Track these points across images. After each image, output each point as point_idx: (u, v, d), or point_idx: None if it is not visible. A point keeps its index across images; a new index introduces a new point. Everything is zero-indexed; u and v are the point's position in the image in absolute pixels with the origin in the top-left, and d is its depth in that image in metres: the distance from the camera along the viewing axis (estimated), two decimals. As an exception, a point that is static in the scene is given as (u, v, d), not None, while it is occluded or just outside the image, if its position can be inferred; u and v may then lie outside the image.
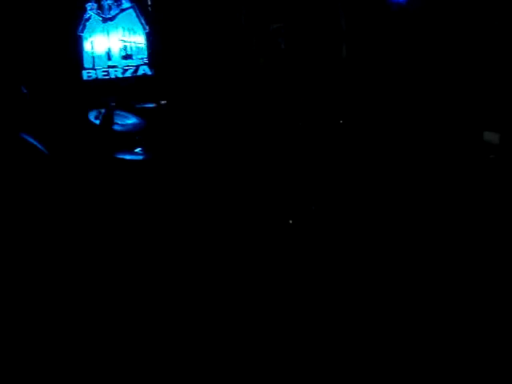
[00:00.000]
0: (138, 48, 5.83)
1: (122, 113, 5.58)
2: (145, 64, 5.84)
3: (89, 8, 5.77)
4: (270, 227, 5.14)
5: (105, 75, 5.84)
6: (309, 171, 5.56)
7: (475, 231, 4.44)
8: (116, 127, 5.55)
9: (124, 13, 5.79)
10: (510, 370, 2.99)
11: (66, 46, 5.80)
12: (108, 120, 5.27)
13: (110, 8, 5.77)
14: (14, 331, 3.55)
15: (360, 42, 5.68)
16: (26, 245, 4.45)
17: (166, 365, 3.27)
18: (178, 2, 5.76)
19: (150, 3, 5.78)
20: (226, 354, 3.35)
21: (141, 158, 5.48)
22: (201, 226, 5.05)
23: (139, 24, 5.80)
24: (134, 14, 5.79)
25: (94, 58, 5.83)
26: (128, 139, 5.56)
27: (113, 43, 5.81)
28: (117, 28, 5.80)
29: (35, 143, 5.05)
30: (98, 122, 5.42)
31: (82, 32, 5.81)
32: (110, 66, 5.84)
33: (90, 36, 5.80)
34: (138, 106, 5.74)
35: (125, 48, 5.83)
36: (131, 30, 5.80)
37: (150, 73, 5.84)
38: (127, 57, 5.83)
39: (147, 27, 5.80)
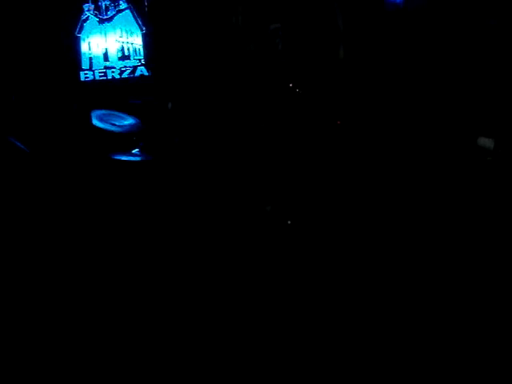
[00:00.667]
0: (135, 49, 5.82)
1: (119, 113, 5.58)
2: (142, 65, 5.82)
3: (86, 9, 5.76)
4: (268, 228, 5.14)
5: (102, 76, 5.82)
6: (307, 172, 5.56)
7: (474, 232, 4.43)
8: (113, 128, 5.55)
9: (121, 14, 5.78)
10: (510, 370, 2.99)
11: (63, 47, 5.79)
12: None
13: (107, 9, 5.76)
14: (14, 331, 3.55)
15: (357, 43, 5.67)
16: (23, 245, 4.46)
17: (166, 364, 3.27)
18: (175, 3, 5.74)
19: (146, 4, 5.77)
20: (223, 354, 3.34)
21: (138, 159, 5.48)
22: (199, 227, 5.05)
23: (136, 25, 5.79)
24: (131, 15, 5.78)
25: (91, 58, 5.82)
26: (125, 140, 5.57)
27: (110, 44, 5.81)
28: (114, 29, 5.79)
29: (21, 146, 5.06)
30: (100, 123, 5.45)
31: (80, 33, 5.80)
32: (107, 67, 5.83)
33: (88, 37, 5.79)
34: (132, 101, 5.74)
35: (122, 49, 5.82)
36: (128, 31, 5.79)
37: (147, 73, 5.83)
38: (124, 58, 5.82)
39: (144, 28, 5.78)
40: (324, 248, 4.77)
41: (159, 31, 5.74)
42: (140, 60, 5.82)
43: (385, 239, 4.68)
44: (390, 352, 3.24)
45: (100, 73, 5.82)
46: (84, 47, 5.80)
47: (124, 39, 5.78)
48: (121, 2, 5.77)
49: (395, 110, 5.53)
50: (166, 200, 5.32)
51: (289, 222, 5.29)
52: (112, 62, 5.83)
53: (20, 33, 5.53)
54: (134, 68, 5.83)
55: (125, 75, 5.82)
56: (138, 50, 5.82)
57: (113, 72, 5.83)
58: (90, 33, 5.79)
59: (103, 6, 5.77)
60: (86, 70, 5.83)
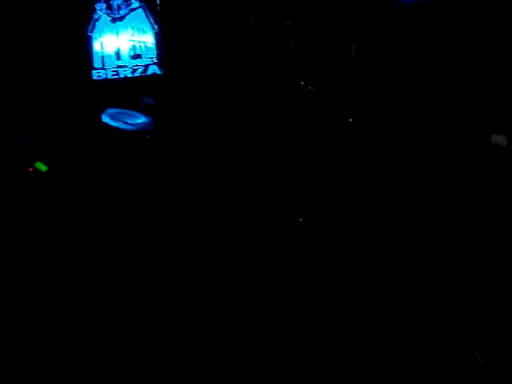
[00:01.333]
0: (147, 47, 5.84)
1: (132, 112, 5.61)
2: (154, 63, 5.84)
3: (98, 8, 5.79)
4: (280, 225, 5.14)
5: (114, 75, 5.85)
6: (318, 169, 5.56)
7: (484, 229, 4.42)
8: (126, 127, 5.57)
9: (133, 12, 5.81)
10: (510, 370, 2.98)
11: (75, 46, 5.82)
12: None
13: (119, 8, 5.79)
14: (14, 332, 3.56)
15: (369, 40, 5.66)
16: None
17: (166, 364, 3.27)
18: (187, 1, 5.76)
19: (158, 2, 5.79)
20: (228, 351, 3.34)
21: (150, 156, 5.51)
22: (209, 225, 5.06)
23: (148, 23, 5.81)
24: (143, 14, 5.80)
25: (103, 57, 5.85)
26: (139, 138, 5.59)
27: (122, 43, 5.83)
28: (126, 28, 5.82)
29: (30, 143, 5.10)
30: (113, 122, 5.47)
31: (92, 32, 5.83)
32: (119, 66, 5.85)
33: (100, 36, 5.82)
34: (144, 101, 5.76)
35: (134, 48, 5.84)
36: (140, 30, 5.81)
37: (159, 72, 5.84)
38: (136, 56, 5.84)
39: (156, 26, 5.80)
40: (335, 245, 4.77)
41: (171, 30, 5.76)
42: (152, 58, 5.83)
43: (397, 234, 4.67)
44: (394, 350, 3.24)
45: (112, 71, 5.84)
46: (96, 46, 5.83)
47: (136, 38, 5.80)
48: (133, 1, 5.79)
49: (408, 107, 5.52)
50: (176, 195, 5.34)
51: (300, 220, 5.29)
52: (124, 61, 5.85)
53: (33, 32, 5.57)
54: (146, 67, 5.84)
55: (137, 74, 5.84)
56: (150, 49, 5.83)
57: (125, 71, 5.85)
58: (103, 32, 5.81)
59: (115, 5, 5.80)
60: (99, 68, 5.86)
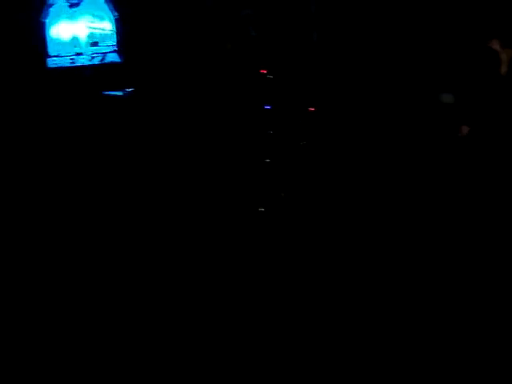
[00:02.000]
0: (105, 35, 5.68)
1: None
2: (113, 51, 5.70)
3: (52, -6, 5.62)
4: (241, 214, 5.13)
5: (71, 63, 5.69)
6: (279, 160, 5.56)
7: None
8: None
9: (90, -2, 5.66)
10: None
11: (29, 33, 5.65)
12: None
13: (76, -7, 5.64)
14: (14, 332, 3.48)
15: (330, 28, 5.67)
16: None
17: (166, 364, 3.23)
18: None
19: (116, -12, 5.66)
20: (221, 352, 3.31)
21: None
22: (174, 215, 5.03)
23: (107, 10, 5.66)
24: (101, 0, 5.66)
25: (59, 44, 5.68)
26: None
27: (79, 30, 5.67)
28: (83, 14, 5.66)
29: None
30: None
31: (46, 18, 5.65)
32: (76, 54, 5.69)
33: (56, 22, 5.65)
34: (105, 93, 5.64)
35: (92, 35, 5.68)
36: (98, 16, 5.66)
37: (118, 60, 5.71)
38: (94, 44, 5.69)
39: (115, 13, 5.65)
40: (296, 235, 4.80)
41: (130, 16, 5.63)
42: (111, 46, 5.69)
43: (379, 231, 4.70)
44: (389, 350, 3.25)
45: (70, 59, 5.68)
46: (52, 33, 5.66)
47: (94, 25, 5.65)
48: (89, -14, 5.64)
49: (369, 95, 5.57)
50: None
51: (261, 209, 5.30)
52: (81, 48, 5.69)
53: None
54: (105, 54, 5.69)
55: (95, 61, 5.68)
56: (108, 36, 5.69)
57: (83, 58, 5.70)
58: (59, 18, 5.64)
59: (71, -9, 5.64)
60: (54, 56, 5.69)
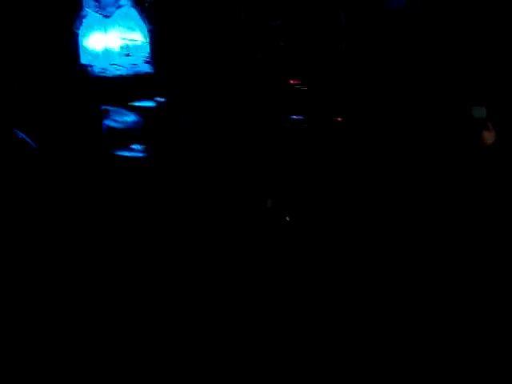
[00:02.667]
0: (137, 45, 5.76)
1: (121, 110, 5.55)
2: (144, 62, 5.78)
3: (86, 5, 5.72)
4: (267, 224, 5.15)
5: (102, 73, 5.77)
6: (306, 168, 5.57)
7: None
8: (114, 124, 5.54)
9: (122, 9, 5.73)
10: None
11: (63, 44, 5.75)
12: None
13: (108, 5, 5.72)
14: (14, 332, 3.53)
15: (360, 39, 5.68)
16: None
17: (166, 364, 3.26)
18: (177, -1, 5.72)
19: (147, 0, 5.74)
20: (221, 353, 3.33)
21: (140, 155, 5.47)
22: (199, 224, 5.06)
23: (139, 21, 5.74)
24: (133, 11, 5.74)
25: (91, 55, 5.77)
26: (125, 136, 5.55)
27: (112, 40, 5.75)
28: (116, 25, 5.74)
29: (26, 138, 5.04)
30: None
31: (79, 29, 5.75)
32: (108, 64, 5.77)
33: (89, 33, 5.74)
34: (136, 104, 5.70)
35: (124, 46, 5.76)
36: (130, 27, 5.75)
37: (150, 71, 5.78)
38: (126, 54, 5.77)
39: (147, 24, 5.74)
40: (323, 245, 4.80)
41: (162, 27, 5.71)
42: (142, 57, 5.77)
43: (387, 236, 4.70)
44: (390, 352, 3.25)
45: (100, 69, 5.77)
46: (85, 43, 5.75)
47: (126, 35, 5.73)
48: (121, -2, 5.73)
49: (398, 106, 5.56)
50: (165, 196, 5.33)
51: (287, 219, 5.30)
52: (113, 59, 5.77)
53: (22, 29, 5.50)
54: (137, 65, 5.77)
55: (127, 72, 5.76)
56: (140, 47, 5.77)
57: (114, 69, 5.78)
58: (91, 29, 5.74)
59: (103, 2, 5.73)
60: (87, 66, 5.78)
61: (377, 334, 3.42)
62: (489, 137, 4.76)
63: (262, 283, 4.16)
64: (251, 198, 5.40)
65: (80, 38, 5.78)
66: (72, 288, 4.12)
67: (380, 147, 5.60)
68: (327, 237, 4.97)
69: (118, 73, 5.77)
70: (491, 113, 4.80)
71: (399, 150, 5.54)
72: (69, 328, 3.57)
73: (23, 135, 5.12)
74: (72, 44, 5.80)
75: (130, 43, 5.75)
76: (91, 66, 5.77)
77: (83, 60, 5.78)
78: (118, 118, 5.51)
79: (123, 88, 5.73)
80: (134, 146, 5.46)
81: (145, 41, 5.72)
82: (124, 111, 5.53)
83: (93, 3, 5.73)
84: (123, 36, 5.73)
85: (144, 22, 5.73)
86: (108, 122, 5.47)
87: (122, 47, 5.76)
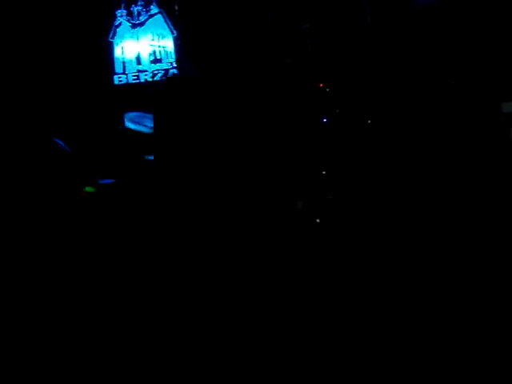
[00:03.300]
0: (166, 52, 5.90)
1: (150, 116, 5.66)
2: (174, 67, 5.90)
3: (119, 15, 5.89)
4: (297, 226, 5.16)
5: (135, 79, 5.93)
6: (336, 171, 5.55)
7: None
8: (147, 129, 5.65)
9: (152, 18, 5.89)
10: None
11: (97, 52, 5.92)
12: None
13: (139, 14, 5.88)
14: (14, 332, 3.58)
15: (387, 38, 5.64)
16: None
17: (166, 365, 3.27)
18: (204, 6, 5.81)
19: (176, 8, 5.85)
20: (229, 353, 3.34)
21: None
22: (231, 224, 5.10)
23: (167, 28, 5.88)
24: (162, 19, 5.88)
25: (124, 63, 5.94)
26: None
27: (142, 48, 5.92)
28: (146, 33, 5.91)
29: (61, 143, 5.19)
30: (132, 125, 5.55)
31: (113, 38, 5.93)
32: (139, 71, 5.94)
33: (121, 42, 5.93)
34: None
35: (154, 52, 5.91)
36: (160, 35, 5.89)
37: (179, 75, 5.90)
38: (156, 61, 5.92)
39: (175, 31, 5.86)
40: (352, 247, 4.77)
41: (190, 34, 5.81)
42: (171, 63, 5.90)
43: (412, 238, 4.64)
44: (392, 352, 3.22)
45: (133, 76, 5.92)
46: (117, 52, 5.93)
47: (156, 43, 5.88)
48: (152, 7, 5.87)
49: (428, 107, 5.48)
50: (193, 197, 5.37)
51: (317, 221, 5.30)
52: (144, 66, 5.93)
53: (57, 39, 5.70)
54: (166, 71, 5.91)
55: (157, 78, 5.90)
56: (169, 53, 5.90)
57: (145, 75, 5.93)
58: (123, 37, 5.92)
59: (135, 12, 5.89)
60: (120, 73, 5.94)
61: (383, 331, 3.39)
62: None
63: (290, 282, 4.16)
64: (282, 199, 5.41)
65: (114, 46, 5.94)
66: (78, 284, 4.17)
67: (410, 148, 5.53)
68: (356, 238, 4.94)
69: (150, 79, 5.90)
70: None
71: (431, 151, 5.47)
72: (69, 328, 3.60)
73: (58, 140, 5.28)
74: (106, 53, 5.96)
75: (160, 50, 5.88)
76: (124, 73, 5.93)
77: (117, 68, 5.94)
78: (148, 124, 5.62)
79: (154, 93, 5.85)
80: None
81: (174, 47, 5.84)
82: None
83: (125, 12, 5.89)
84: (153, 43, 5.87)
85: (174, 28, 5.85)
86: (138, 128, 5.59)
87: (152, 54, 5.90)
